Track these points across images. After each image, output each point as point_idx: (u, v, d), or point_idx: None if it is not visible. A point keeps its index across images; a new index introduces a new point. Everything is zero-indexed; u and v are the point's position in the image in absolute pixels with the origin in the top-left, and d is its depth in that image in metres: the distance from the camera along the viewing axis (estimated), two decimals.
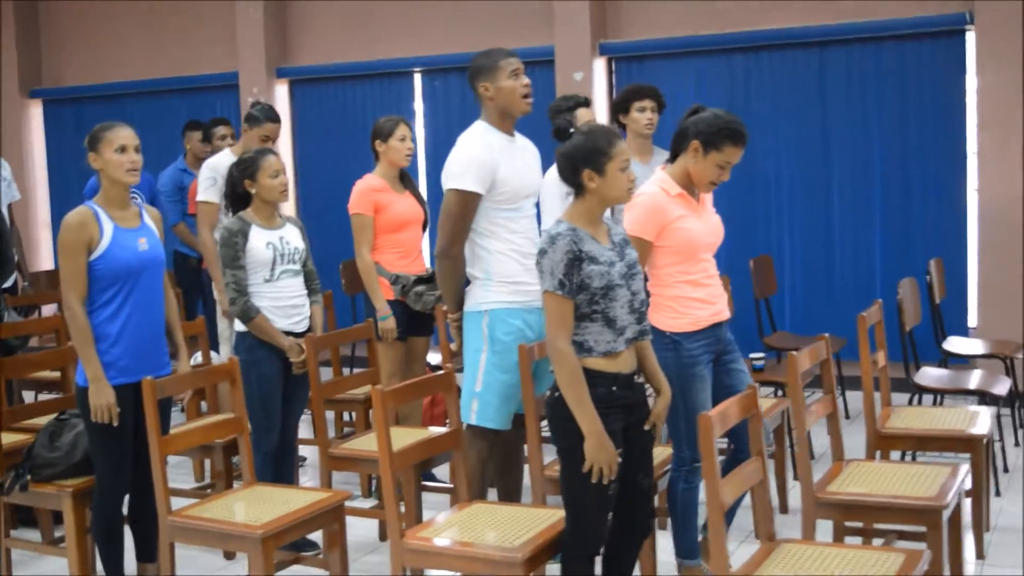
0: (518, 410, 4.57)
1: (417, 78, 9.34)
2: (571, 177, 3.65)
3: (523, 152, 4.59)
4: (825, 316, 7.99)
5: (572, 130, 3.70)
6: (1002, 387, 5.80)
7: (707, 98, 8.14)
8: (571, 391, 3.52)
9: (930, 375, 6.02)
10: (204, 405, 6.04)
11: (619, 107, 5.91)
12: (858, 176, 7.98)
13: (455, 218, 4.40)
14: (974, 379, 5.89)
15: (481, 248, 4.48)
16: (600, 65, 8.55)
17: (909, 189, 7.86)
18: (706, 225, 4.30)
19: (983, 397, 5.77)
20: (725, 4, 8.23)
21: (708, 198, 4.42)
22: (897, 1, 7.76)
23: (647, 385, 3.81)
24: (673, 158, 4.31)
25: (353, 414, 6.49)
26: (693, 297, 4.24)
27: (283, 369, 4.94)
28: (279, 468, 5.01)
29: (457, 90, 9.10)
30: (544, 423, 4.07)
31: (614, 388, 3.61)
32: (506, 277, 4.47)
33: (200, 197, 6.28)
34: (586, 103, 5.42)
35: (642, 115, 5.64)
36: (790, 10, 8.05)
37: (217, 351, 6.45)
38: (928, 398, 6.11)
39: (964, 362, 7.09)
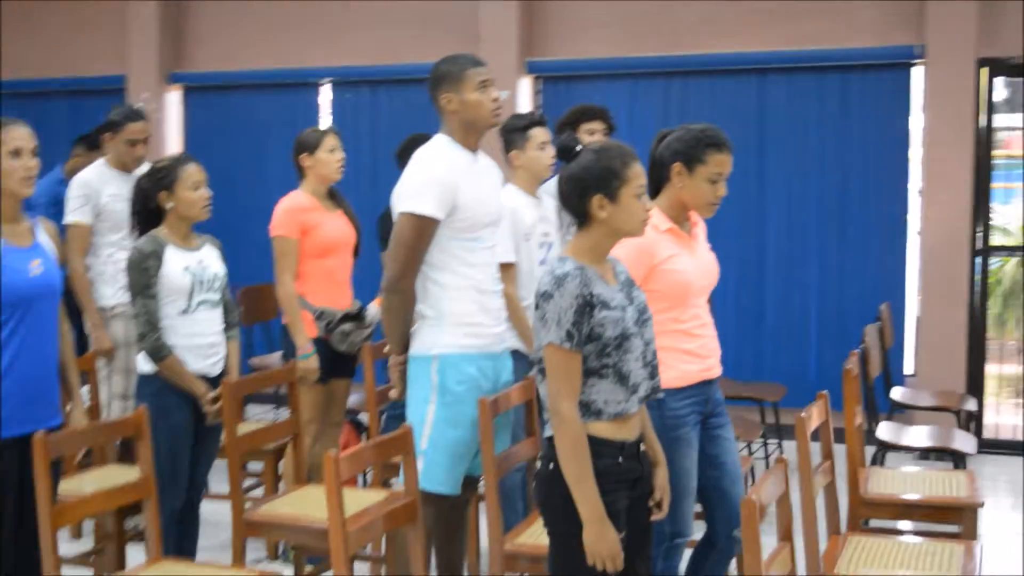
0: (469, 472, 3.97)
1: (326, 89, 8.66)
2: (577, 204, 3.08)
3: (486, 174, 4.00)
4: (758, 360, 7.58)
5: (579, 148, 3.13)
6: (970, 445, 5.42)
7: (640, 123, 7.77)
8: (572, 466, 2.94)
9: (893, 430, 5.59)
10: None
11: (566, 127, 5.44)
12: (795, 212, 7.57)
13: (408, 246, 3.78)
14: (944, 437, 5.49)
15: (433, 282, 3.86)
16: (526, 84, 8.01)
17: (848, 228, 7.47)
18: (700, 264, 3.77)
19: (954, 456, 5.38)
20: (662, 26, 7.76)
21: (701, 233, 3.89)
22: (843, 30, 7.41)
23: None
24: (655, 193, 3.77)
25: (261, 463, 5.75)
26: (682, 349, 3.69)
27: (194, 418, 4.25)
28: (182, 531, 4.31)
29: (369, 103, 8.47)
30: None
31: (621, 460, 3.05)
32: (460, 317, 3.86)
33: (69, 219, 5.40)
34: (541, 122, 4.87)
35: (591, 138, 5.21)
36: (730, 35, 7.63)
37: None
38: (892, 456, 5.70)
39: (900, 412, 6.73)
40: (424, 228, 3.76)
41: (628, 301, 3.09)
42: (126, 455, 5.26)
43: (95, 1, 9.13)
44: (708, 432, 3.81)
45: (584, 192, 3.05)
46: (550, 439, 3.06)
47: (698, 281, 3.74)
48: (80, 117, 8.67)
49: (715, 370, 3.81)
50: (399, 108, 8.39)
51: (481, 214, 3.88)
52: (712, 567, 3.87)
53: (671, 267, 3.65)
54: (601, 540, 2.94)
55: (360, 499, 4.09)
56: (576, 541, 2.95)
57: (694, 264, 3.73)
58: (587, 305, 2.95)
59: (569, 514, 2.96)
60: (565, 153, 3.13)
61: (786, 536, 3.12)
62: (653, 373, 3.14)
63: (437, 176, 3.77)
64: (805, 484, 3.52)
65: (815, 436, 3.81)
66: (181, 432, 4.20)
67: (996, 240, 7.55)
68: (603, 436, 3.01)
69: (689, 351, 3.71)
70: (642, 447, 3.16)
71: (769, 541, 2.92)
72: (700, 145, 3.64)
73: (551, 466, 3.01)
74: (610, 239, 3.10)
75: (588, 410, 3.00)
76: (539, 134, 4.81)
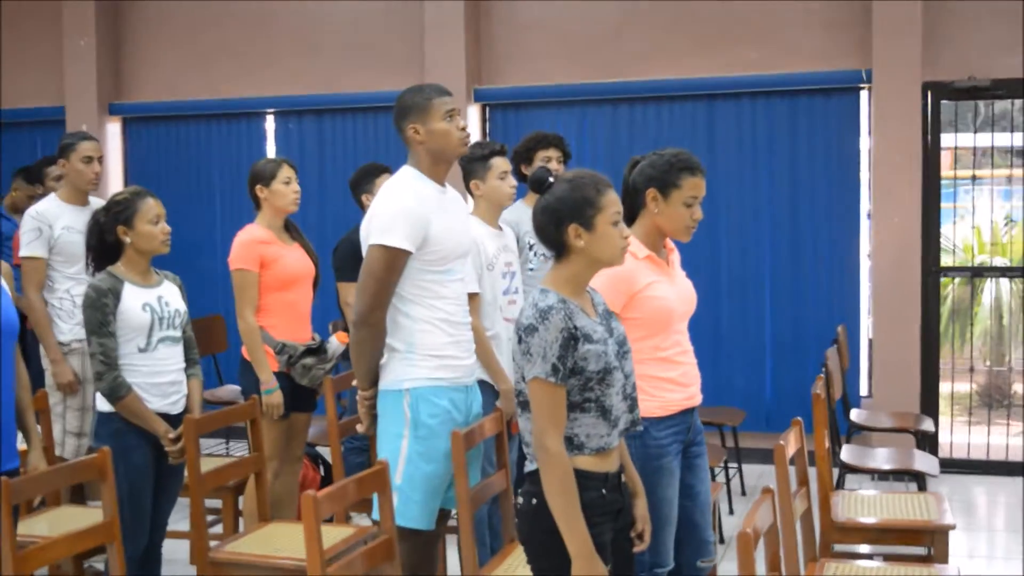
0: (443, 505, 3.90)
1: (270, 120, 8.54)
2: (554, 235, 3.03)
3: (454, 206, 3.94)
4: (715, 384, 7.55)
5: (551, 179, 3.08)
6: (932, 466, 5.44)
7: (589, 149, 7.76)
8: (561, 501, 2.88)
9: (855, 453, 5.60)
10: None
11: (522, 156, 5.46)
12: (747, 236, 7.59)
13: (380, 279, 3.69)
14: (905, 459, 5.51)
15: (403, 315, 3.78)
16: (474, 112, 7.96)
17: (800, 251, 7.50)
18: (679, 291, 3.74)
19: (916, 477, 5.39)
20: (610, 52, 7.76)
21: (676, 261, 3.87)
22: (790, 56, 7.46)
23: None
24: (630, 220, 3.74)
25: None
26: (665, 377, 3.65)
27: (155, 457, 4.11)
28: (145, 574, 4.16)
29: (314, 133, 8.37)
30: None
31: (604, 492, 3.00)
32: (431, 350, 3.78)
33: (24, 252, 5.27)
34: (501, 151, 4.82)
35: (547, 166, 5.18)
36: (679, 61, 7.64)
37: None
38: (851, 478, 5.71)
39: (858, 434, 6.75)
40: (395, 261, 3.68)
41: (608, 334, 3.05)
42: (79, 495, 5.12)
43: (32, 32, 8.94)
44: (687, 460, 3.77)
45: (560, 223, 3.00)
46: (531, 474, 3.01)
47: (679, 308, 3.71)
48: (18, 149, 8.51)
49: (696, 398, 3.78)
50: (345, 138, 8.31)
51: (451, 246, 3.82)
52: None
53: (651, 294, 3.61)
54: (591, 574, 2.87)
55: (328, 535, 3.98)
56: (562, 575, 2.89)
57: (674, 291, 3.70)
58: (572, 339, 2.90)
59: (554, 549, 2.90)
60: (538, 185, 3.08)
61: (774, 566, 3.07)
62: (632, 406, 3.10)
63: (407, 208, 3.69)
64: (786, 512, 3.48)
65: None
66: (142, 473, 4.06)
67: (944, 260, 7.60)
68: (586, 469, 2.95)
69: (671, 379, 3.67)
70: (622, 478, 3.11)
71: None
72: (673, 170, 3.62)
73: (534, 501, 2.95)
74: (589, 269, 3.05)
75: (571, 444, 2.95)
76: (500, 163, 4.75)
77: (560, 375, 2.89)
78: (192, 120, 8.69)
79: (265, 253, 4.95)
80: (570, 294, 3.01)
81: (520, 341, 2.94)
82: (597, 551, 2.91)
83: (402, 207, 3.70)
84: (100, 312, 4.00)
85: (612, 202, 3.02)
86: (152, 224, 4.11)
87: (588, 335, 2.93)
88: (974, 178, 7.50)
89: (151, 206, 4.12)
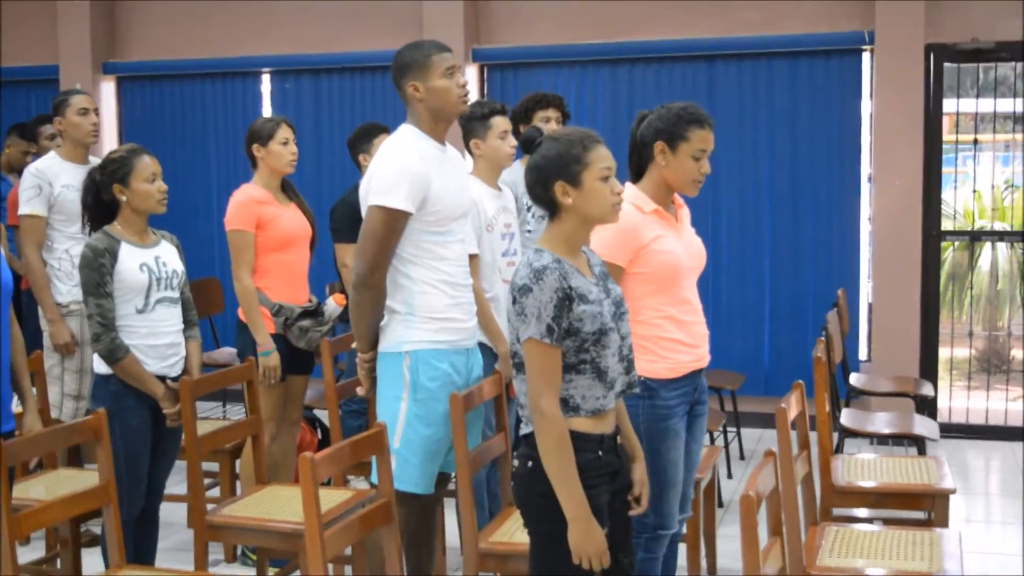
0: (441, 469, 3.87)
1: (265, 79, 8.46)
2: (543, 194, 2.99)
3: (454, 165, 3.88)
4: (713, 349, 7.50)
5: (540, 139, 3.04)
6: (932, 430, 5.43)
7: (587, 110, 7.69)
8: (556, 464, 2.85)
9: (855, 417, 5.58)
10: None
11: (521, 116, 5.42)
12: (747, 199, 7.54)
13: (380, 240, 3.64)
14: (905, 423, 5.49)
15: (404, 276, 3.73)
16: (472, 73, 7.88)
17: (800, 215, 7.45)
18: (687, 246, 3.69)
19: (915, 441, 5.38)
20: (609, 12, 7.67)
21: (685, 217, 3.82)
22: (791, 17, 7.38)
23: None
24: (637, 177, 3.70)
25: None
26: (674, 338, 3.60)
27: (152, 420, 4.07)
28: (141, 539, 4.14)
29: (310, 93, 8.29)
30: None
31: (600, 453, 2.97)
32: (432, 312, 3.74)
33: (23, 210, 5.21)
34: (502, 111, 4.76)
35: (546, 126, 5.20)
36: (678, 21, 7.56)
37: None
38: (850, 442, 5.69)
39: (857, 398, 6.73)
40: (395, 221, 3.63)
41: (605, 295, 3.01)
42: (75, 458, 5.09)
43: None
44: (689, 419, 3.74)
45: (547, 181, 2.96)
46: (527, 436, 2.98)
47: (686, 263, 3.65)
48: (13, 107, 8.42)
49: (705, 359, 3.74)
50: (342, 97, 8.23)
51: (452, 207, 3.77)
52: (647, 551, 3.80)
53: (658, 247, 3.57)
54: (587, 538, 2.85)
55: (326, 499, 3.96)
56: (559, 539, 2.87)
57: (681, 246, 3.66)
58: (567, 299, 2.87)
59: (551, 512, 2.88)
60: (528, 144, 3.04)
61: (776, 530, 3.05)
62: (629, 368, 3.06)
63: (407, 168, 3.64)
64: (787, 476, 3.45)
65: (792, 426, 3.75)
66: (139, 436, 4.02)
67: (944, 225, 7.56)
68: (583, 431, 2.92)
69: (681, 340, 3.63)
70: (619, 440, 3.08)
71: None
72: (681, 122, 3.57)
73: (530, 464, 2.92)
74: (582, 228, 3.01)
75: (566, 406, 2.92)
76: (500, 123, 4.69)
77: (555, 336, 2.85)
78: (187, 79, 8.58)
79: (262, 213, 4.89)
80: (565, 254, 2.96)
81: (515, 302, 2.90)
82: (594, 513, 2.88)
83: (402, 167, 3.64)
84: (97, 272, 3.94)
85: (600, 157, 2.97)
86: (148, 182, 4.05)
87: (583, 295, 2.90)
88: (975, 142, 7.44)
89: (147, 164, 4.06)
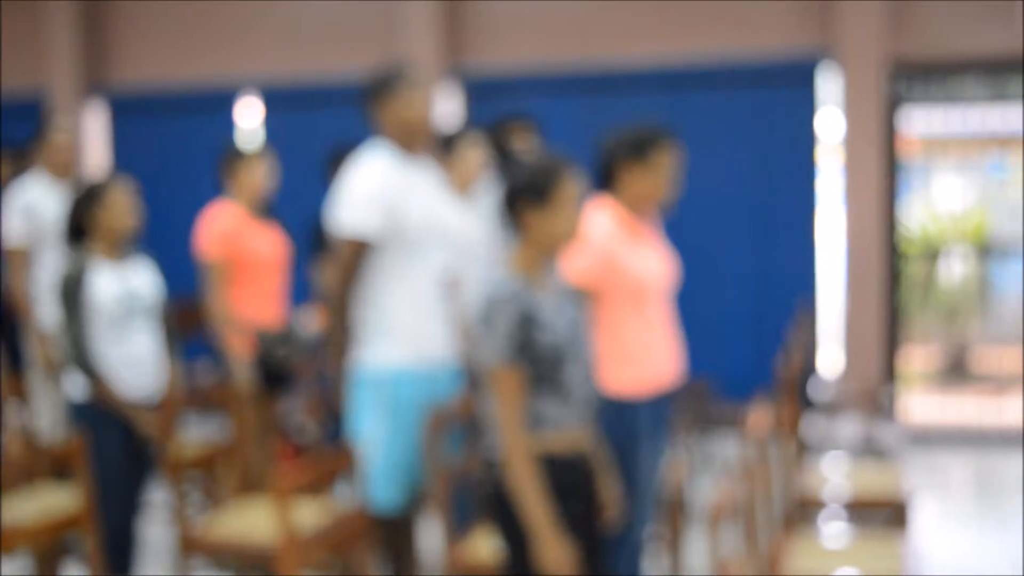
0: (416, 488, 3.93)
1: (249, 100, 8.52)
2: (509, 215, 3.07)
3: (429, 182, 3.95)
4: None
5: (511, 159, 3.14)
6: (896, 437, 5.55)
7: (561, 130, 7.76)
8: (520, 482, 2.93)
9: (819, 424, 5.69)
10: None
11: (496, 135, 5.44)
12: (709, 212, 7.62)
13: (349, 264, 3.73)
14: (869, 430, 5.61)
15: (379, 294, 3.80)
16: (450, 92, 7.96)
17: (760, 226, 7.57)
18: (657, 263, 3.77)
19: (881, 449, 5.50)
20: (582, 32, 7.79)
21: (656, 233, 3.90)
22: (751, 37, 7.50)
23: None
24: (607, 194, 3.79)
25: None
26: (643, 355, 3.68)
27: (129, 444, 4.11)
28: (119, 553, 4.18)
29: (294, 114, 8.36)
30: None
31: (566, 471, 3.04)
32: (407, 330, 3.82)
33: (10, 244, 5.32)
34: (471, 129, 4.84)
35: (520, 144, 5.23)
36: (640, 42, 7.68)
37: None
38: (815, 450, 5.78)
39: (823, 406, 6.84)
40: (364, 246, 3.72)
41: (566, 314, 3.08)
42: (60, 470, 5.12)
43: (13, 2, 8.87)
44: (656, 433, 3.80)
45: (514, 202, 3.05)
46: (493, 454, 3.04)
47: (656, 279, 3.73)
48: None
49: (676, 375, 3.79)
50: (326, 118, 8.28)
51: (429, 224, 3.84)
52: (627, 565, 3.87)
53: (628, 265, 3.64)
54: (552, 556, 2.92)
55: (303, 511, 4.02)
56: (529, 554, 2.94)
57: (651, 263, 3.73)
58: (526, 322, 2.94)
59: (520, 529, 2.95)
60: (499, 165, 3.13)
61: (743, 539, 3.14)
62: (591, 386, 3.13)
63: (376, 192, 3.72)
64: (754, 486, 3.54)
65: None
66: (117, 460, 4.07)
67: (906, 240, 7.70)
68: (548, 448, 3.00)
69: (649, 356, 3.69)
70: (586, 457, 3.15)
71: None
72: (647, 139, 3.66)
73: (497, 482, 3.00)
74: (547, 248, 3.07)
75: (532, 424, 2.99)
76: (469, 141, 4.78)
77: (515, 359, 2.93)
78: (175, 101, 8.64)
79: (236, 236, 4.96)
80: (529, 274, 3.04)
81: (477, 325, 2.98)
82: (564, 530, 2.96)
83: (370, 194, 3.72)
84: (69, 299, 3.99)
85: (567, 179, 3.05)
86: (124, 208, 4.11)
87: (543, 318, 2.97)
88: (935, 157, 7.58)
89: (123, 190, 4.12)
